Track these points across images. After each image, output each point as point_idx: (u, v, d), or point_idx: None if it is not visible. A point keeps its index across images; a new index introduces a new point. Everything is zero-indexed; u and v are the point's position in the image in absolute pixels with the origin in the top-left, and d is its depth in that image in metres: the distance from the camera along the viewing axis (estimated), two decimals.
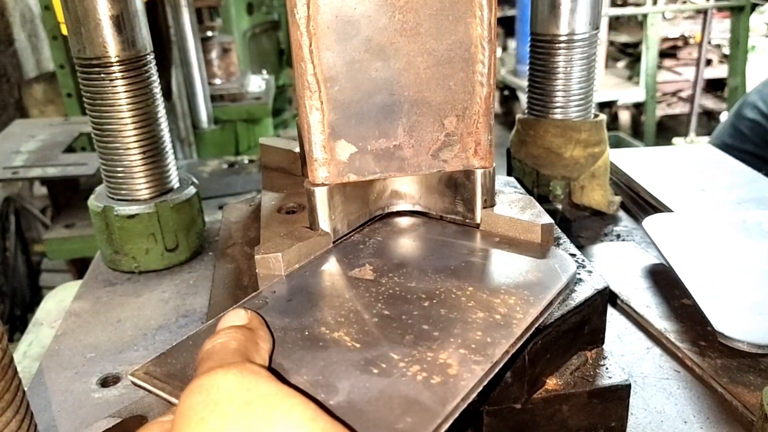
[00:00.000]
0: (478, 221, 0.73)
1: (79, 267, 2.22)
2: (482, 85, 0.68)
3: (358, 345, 0.51)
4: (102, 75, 0.96)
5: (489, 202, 0.73)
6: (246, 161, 2.21)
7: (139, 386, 0.50)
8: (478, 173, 0.71)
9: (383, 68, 0.66)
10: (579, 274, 0.69)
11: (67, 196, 2.11)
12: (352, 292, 0.60)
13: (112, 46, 0.95)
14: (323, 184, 0.68)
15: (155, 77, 1.02)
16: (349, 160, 0.68)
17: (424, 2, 0.64)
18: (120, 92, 0.97)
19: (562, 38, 1.10)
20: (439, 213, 0.76)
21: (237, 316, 0.51)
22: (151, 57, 1.00)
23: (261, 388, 0.39)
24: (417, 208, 0.77)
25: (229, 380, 0.39)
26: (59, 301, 1.39)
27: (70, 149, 2.07)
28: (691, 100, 5.05)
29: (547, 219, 0.70)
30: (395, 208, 0.77)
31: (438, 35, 0.65)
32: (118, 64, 0.96)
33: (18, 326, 2.56)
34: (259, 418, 0.37)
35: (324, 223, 0.69)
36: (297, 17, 0.62)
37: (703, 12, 4.77)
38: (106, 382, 0.80)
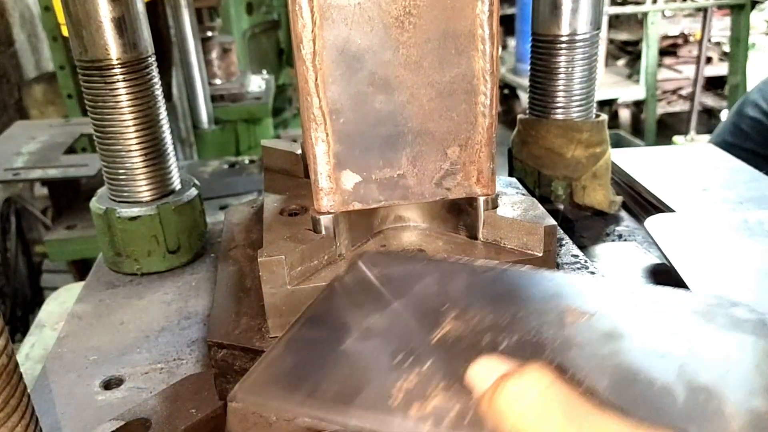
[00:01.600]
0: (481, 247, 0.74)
1: (80, 268, 2.22)
2: (484, 116, 0.69)
3: None
4: (103, 78, 0.96)
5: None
6: (247, 161, 2.21)
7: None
8: (481, 200, 0.72)
9: (387, 101, 0.67)
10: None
11: (68, 197, 2.11)
12: None
13: (113, 48, 0.95)
14: (328, 213, 0.70)
15: (157, 79, 1.02)
16: (353, 189, 0.70)
17: (427, 37, 0.65)
18: (121, 95, 0.97)
19: (563, 39, 1.09)
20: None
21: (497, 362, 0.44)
22: (152, 59, 1.00)
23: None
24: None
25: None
26: (61, 303, 1.39)
27: (70, 150, 2.07)
28: (691, 98, 5.05)
29: (550, 221, 0.70)
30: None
31: (441, 68, 0.67)
32: (119, 66, 0.96)
33: (19, 327, 2.56)
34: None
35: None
36: (303, 53, 0.64)
37: (703, 10, 4.77)
38: (109, 385, 0.80)
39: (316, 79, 0.65)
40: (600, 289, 0.59)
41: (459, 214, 0.75)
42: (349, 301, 0.59)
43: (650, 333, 0.52)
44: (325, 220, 0.69)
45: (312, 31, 0.63)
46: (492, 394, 0.40)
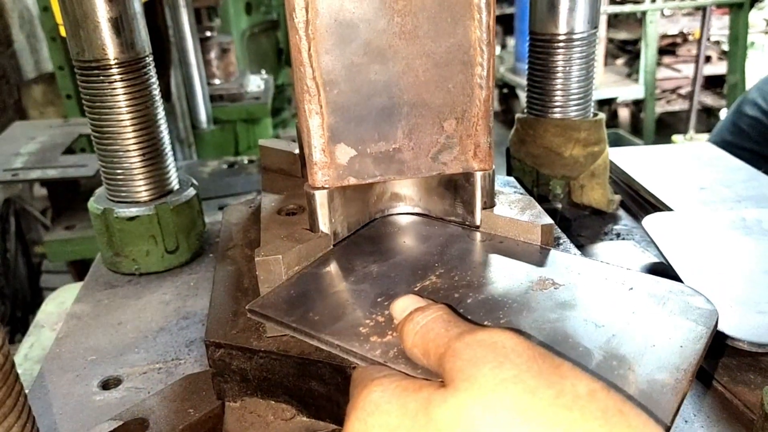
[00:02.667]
0: (478, 223, 0.73)
1: (79, 268, 2.22)
2: (481, 87, 0.68)
3: None
4: (101, 78, 0.96)
5: (488, 204, 0.73)
6: (246, 161, 2.21)
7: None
8: (478, 175, 0.71)
9: (382, 71, 0.66)
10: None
11: (67, 197, 2.12)
12: None
13: (111, 48, 0.95)
14: (323, 188, 0.68)
15: (154, 79, 1.02)
16: (348, 164, 0.68)
17: (422, 5, 0.64)
18: (119, 95, 0.97)
19: (561, 37, 1.10)
20: (438, 215, 0.76)
21: (421, 301, 0.55)
22: (150, 59, 1.00)
23: (537, 348, 0.44)
24: (417, 210, 0.77)
25: (510, 338, 0.44)
26: (60, 303, 1.39)
27: (69, 151, 2.07)
28: (690, 97, 5.05)
29: (547, 220, 0.70)
30: (395, 211, 0.77)
31: (436, 38, 0.65)
32: (117, 66, 0.96)
33: (19, 327, 2.56)
34: (550, 370, 0.41)
35: (324, 226, 0.69)
36: (296, 21, 0.62)
37: (702, 9, 4.77)
38: (107, 385, 0.80)
39: (309, 49, 0.63)
40: (578, 267, 0.65)
41: (456, 190, 0.73)
42: (359, 250, 0.70)
43: (600, 308, 0.59)
44: (319, 196, 0.68)
45: None
46: (403, 322, 0.52)
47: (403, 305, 0.54)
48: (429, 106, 0.68)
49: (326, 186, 0.68)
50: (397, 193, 0.76)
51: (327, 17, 0.63)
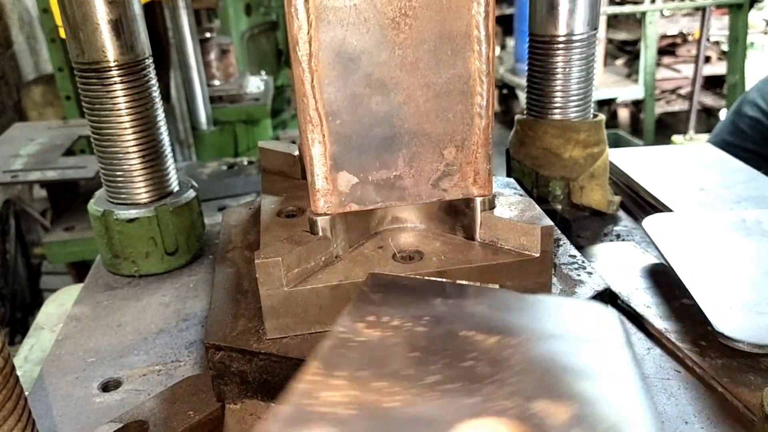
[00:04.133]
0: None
1: (79, 270, 2.22)
2: (481, 116, 0.69)
3: None
4: (101, 80, 0.96)
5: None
6: (245, 162, 2.22)
7: None
8: (477, 201, 0.73)
9: (383, 102, 0.67)
10: (579, 276, 0.69)
11: (67, 199, 2.12)
12: None
13: (110, 50, 0.95)
14: (325, 214, 0.70)
15: (154, 81, 1.02)
16: (350, 191, 0.70)
17: (423, 38, 0.66)
18: (119, 97, 0.97)
19: (560, 39, 1.10)
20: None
21: None
22: (150, 61, 1.00)
23: None
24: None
25: None
26: (60, 305, 1.39)
27: (69, 152, 2.08)
28: (690, 97, 5.05)
29: (547, 222, 0.70)
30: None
31: (437, 69, 0.67)
32: (117, 68, 0.96)
33: (19, 329, 2.56)
34: None
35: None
36: (299, 54, 0.63)
37: (702, 9, 4.77)
38: (107, 387, 0.80)
39: (312, 81, 0.65)
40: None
41: (456, 215, 0.75)
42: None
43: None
44: (322, 222, 0.70)
45: (308, 33, 0.63)
46: None
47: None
48: (429, 134, 0.70)
49: (328, 212, 0.70)
50: (398, 217, 0.77)
51: (330, 50, 0.64)
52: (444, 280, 0.64)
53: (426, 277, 0.65)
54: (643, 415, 0.47)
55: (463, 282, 0.63)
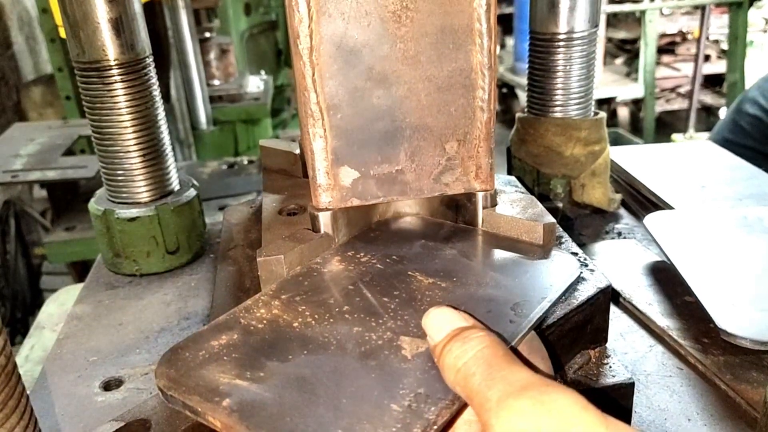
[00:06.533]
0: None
1: (79, 270, 2.22)
2: (483, 110, 0.69)
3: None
4: (101, 79, 0.96)
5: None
6: (245, 162, 2.22)
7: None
8: (479, 195, 0.72)
9: (385, 96, 0.67)
10: (582, 273, 0.69)
11: (67, 198, 2.12)
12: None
13: (111, 49, 0.94)
14: (327, 209, 0.69)
15: (154, 80, 1.02)
16: (352, 185, 0.70)
17: (424, 31, 0.65)
18: (119, 96, 0.97)
19: (561, 36, 1.09)
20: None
21: (457, 318, 0.49)
22: (150, 60, 1.00)
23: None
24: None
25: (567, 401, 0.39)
26: (61, 304, 1.39)
27: (69, 152, 2.08)
28: (689, 95, 5.05)
29: (549, 218, 0.70)
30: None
31: (439, 63, 0.67)
32: (117, 67, 0.95)
33: (19, 329, 2.56)
34: None
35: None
36: (300, 48, 0.63)
37: (701, 8, 4.77)
38: (108, 386, 0.79)
39: (313, 75, 0.64)
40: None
41: (458, 209, 0.74)
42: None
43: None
44: (323, 217, 0.69)
45: (308, 26, 0.63)
46: (440, 352, 0.47)
47: (438, 323, 0.48)
48: (431, 128, 0.69)
49: (330, 207, 0.70)
50: (399, 212, 0.77)
51: (331, 44, 0.64)
52: (444, 221, 0.74)
53: (430, 218, 0.75)
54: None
55: (467, 227, 0.73)
